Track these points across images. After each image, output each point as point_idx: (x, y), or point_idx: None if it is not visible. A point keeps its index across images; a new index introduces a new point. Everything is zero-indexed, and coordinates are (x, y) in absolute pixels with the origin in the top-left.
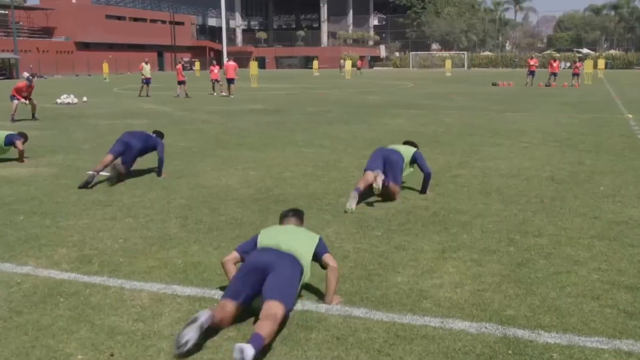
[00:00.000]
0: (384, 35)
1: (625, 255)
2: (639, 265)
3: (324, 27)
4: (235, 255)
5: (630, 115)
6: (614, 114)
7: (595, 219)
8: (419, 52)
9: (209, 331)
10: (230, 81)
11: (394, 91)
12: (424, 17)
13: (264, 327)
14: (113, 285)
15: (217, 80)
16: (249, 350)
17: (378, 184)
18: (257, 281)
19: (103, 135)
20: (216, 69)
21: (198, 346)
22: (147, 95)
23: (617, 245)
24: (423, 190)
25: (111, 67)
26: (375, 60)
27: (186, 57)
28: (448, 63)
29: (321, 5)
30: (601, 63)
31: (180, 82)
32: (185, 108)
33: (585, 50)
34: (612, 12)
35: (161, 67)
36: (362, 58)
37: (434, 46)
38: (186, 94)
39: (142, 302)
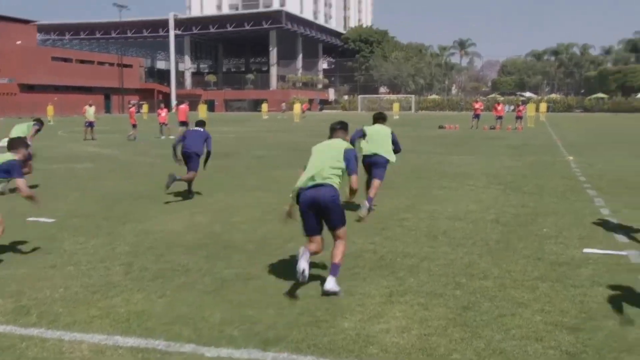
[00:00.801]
0: (332, 78)
1: (568, 296)
2: (580, 306)
3: (274, 71)
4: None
5: (571, 158)
6: (556, 156)
7: (539, 261)
8: (367, 95)
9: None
10: (182, 124)
11: None
12: (372, 61)
13: (336, 256)
14: (51, 337)
15: (164, 124)
16: (331, 283)
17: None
18: (317, 213)
19: (45, 179)
20: (164, 112)
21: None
22: (93, 139)
23: (560, 287)
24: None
25: (56, 109)
26: (324, 103)
27: (134, 100)
28: (396, 106)
29: (271, 49)
30: (543, 106)
31: (134, 125)
32: (132, 151)
33: (528, 94)
34: (553, 58)
35: (108, 110)
36: (311, 101)
37: (382, 89)
38: (134, 137)
39: (82, 354)
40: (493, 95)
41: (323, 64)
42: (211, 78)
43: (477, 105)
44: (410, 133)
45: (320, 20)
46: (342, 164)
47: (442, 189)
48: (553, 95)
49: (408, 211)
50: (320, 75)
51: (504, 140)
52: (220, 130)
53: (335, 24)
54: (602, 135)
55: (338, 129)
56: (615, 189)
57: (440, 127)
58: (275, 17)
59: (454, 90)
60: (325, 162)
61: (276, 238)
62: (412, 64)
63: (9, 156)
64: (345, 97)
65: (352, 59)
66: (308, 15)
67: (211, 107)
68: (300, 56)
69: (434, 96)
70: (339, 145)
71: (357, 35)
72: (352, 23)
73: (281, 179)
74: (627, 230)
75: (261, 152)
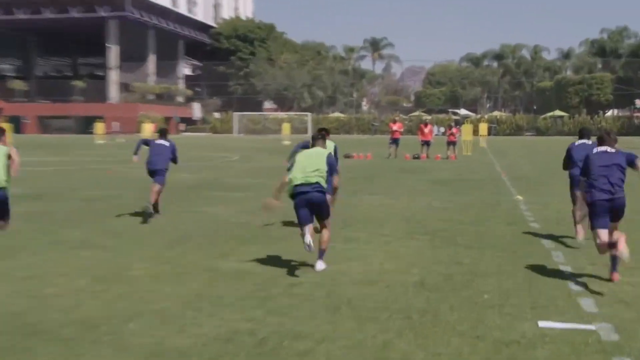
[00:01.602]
0: (198, 89)
1: None
2: None
3: (113, 76)
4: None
5: (521, 197)
6: (501, 194)
7: (478, 339)
8: (246, 113)
9: None
10: None
11: (212, 166)
12: (254, 65)
13: (324, 242)
14: None
15: None
16: (320, 265)
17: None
18: (310, 209)
19: None
20: None
21: None
22: None
23: None
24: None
25: None
26: (188, 123)
27: None
28: (286, 127)
29: (108, 45)
30: (483, 128)
31: None
32: None
33: (463, 112)
34: (495, 64)
35: None
36: (168, 119)
37: (268, 104)
38: None
39: None
40: (417, 113)
41: (185, 69)
42: (18, 85)
43: (395, 127)
44: None
45: (182, 9)
46: (326, 168)
47: (347, 242)
48: (496, 113)
49: (301, 273)
50: (181, 85)
51: (431, 173)
52: (32, 162)
53: (203, 15)
54: (561, 167)
55: (319, 138)
56: None
57: (347, 156)
58: (116, 1)
59: (364, 106)
60: (314, 167)
61: (108, 318)
62: (309, 71)
63: (3, 148)
64: (217, 114)
65: (225, 62)
66: (164, 0)
67: (18, 126)
68: (153, 57)
69: (337, 114)
70: (322, 153)
71: (233, 31)
72: (226, 13)
73: (121, 230)
74: (595, 296)
75: (93, 192)
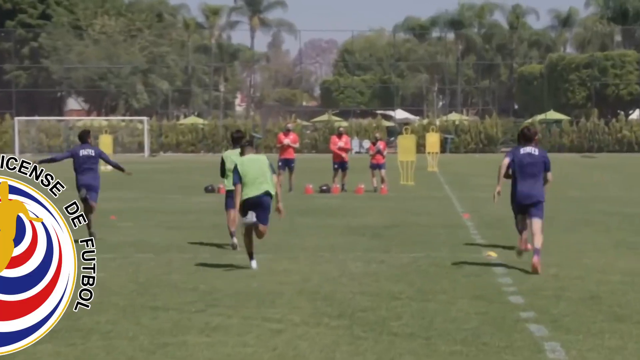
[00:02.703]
0: None
1: None
2: None
3: None
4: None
5: (494, 254)
6: (462, 251)
7: None
8: (36, 118)
9: None
10: None
11: None
12: (48, 37)
13: (260, 235)
14: None
15: None
16: (252, 217)
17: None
18: (254, 210)
19: None
20: None
21: None
22: None
23: None
24: None
25: None
26: None
27: None
28: (106, 141)
29: None
30: (432, 141)
31: None
32: None
33: (400, 114)
34: (451, 35)
35: None
36: None
37: (74, 104)
38: None
39: None
40: (325, 117)
41: None
42: None
43: (287, 139)
44: (137, 205)
45: None
46: (270, 173)
47: (209, 333)
48: (455, 117)
49: None
50: None
51: (349, 216)
52: None
53: None
54: (556, 201)
55: (247, 145)
56: (587, 320)
57: (209, 189)
58: None
59: (238, 106)
60: (262, 175)
61: None
62: (143, 47)
63: None
64: None
65: None
66: None
67: None
68: None
69: (193, 118)
70: (263, 159)
71: None
72: None
73: None
74: None
75: None
